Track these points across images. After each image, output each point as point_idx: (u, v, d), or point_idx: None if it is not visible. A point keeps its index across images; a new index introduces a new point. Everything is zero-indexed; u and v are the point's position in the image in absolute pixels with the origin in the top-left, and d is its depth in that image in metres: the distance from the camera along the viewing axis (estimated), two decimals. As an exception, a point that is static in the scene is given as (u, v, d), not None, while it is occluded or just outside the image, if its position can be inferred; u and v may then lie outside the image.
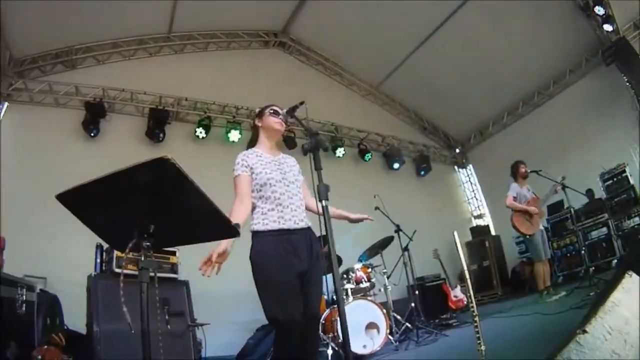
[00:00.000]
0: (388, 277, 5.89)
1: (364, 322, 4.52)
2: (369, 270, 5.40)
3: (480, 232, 8.64)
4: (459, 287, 7.39)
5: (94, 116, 6.10)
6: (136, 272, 3.74)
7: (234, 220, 2.17)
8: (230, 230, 1.66)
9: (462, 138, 10.16)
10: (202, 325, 4.17)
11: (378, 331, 4.52)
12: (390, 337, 4.62)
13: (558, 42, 7.49)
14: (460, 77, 8.50)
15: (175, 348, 3.69)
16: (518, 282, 8.01)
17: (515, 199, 5.61)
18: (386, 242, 5.70)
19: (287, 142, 7.52)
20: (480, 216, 9.78)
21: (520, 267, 8.21)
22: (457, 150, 10.17)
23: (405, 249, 6.24)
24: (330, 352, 4.41)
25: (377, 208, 5.77)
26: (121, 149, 6.23)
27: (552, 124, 8.01)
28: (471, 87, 8.64)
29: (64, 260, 5.06)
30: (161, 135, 6.53)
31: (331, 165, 8.16)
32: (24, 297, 3.11)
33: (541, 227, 5.62)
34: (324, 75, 9.02)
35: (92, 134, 6.09)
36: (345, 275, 5.21)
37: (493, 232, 8.76)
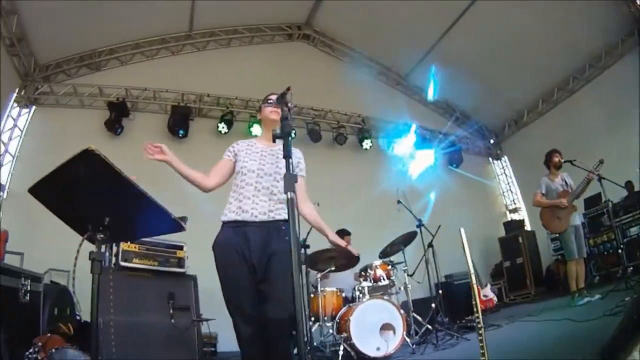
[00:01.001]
0: (411, 275, 5.64)
1: (379, 322, 4.21)
2: (389, 267, 5.09)
3: (514, 227, 8.09)
4: (489, 286, 7.01)
5: (118, 115, 6.26)
6: (141, 266, 3.78)
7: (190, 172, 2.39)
8: (174, 224, 1.57)
9: (496, 128, 9.60)
10: (207, 320, 4.10)
11: (394, 333, 4.20)
12: (407, 339, 4.33)
13: (592, 22, 6.89)
14: (492, 63, 7.97)
15: (178, 342, 3.65)
16: (552, 282, 7.43)
17: (544, 195, 5.21)
18: (408, 237, 5.31)
19: (312, 136, 7.40)
20: (515, 210, 9.19)
21: (554, 265, 7.62)
22: (491, 141, 9.62)
23: (430, 245, 5.95)
24: (341, 352, 4.17)
25: (399, 202, 5.50)
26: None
27: (590, 111, 7.39)
28: (504, 74, 8.10)
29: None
30: (182, 131, 6.60)
31: (358, 157, 8.06)
32: (29, 287, 3.17)
33: (576, 223, 5.10)
34: (351, 67, 8.72)
35: (117, 133, 6.25)
36: (362, 273, 4.97)
37: (529, 227, 8.23)
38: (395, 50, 8.52)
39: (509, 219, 8.82)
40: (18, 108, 6.05)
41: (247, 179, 2.38)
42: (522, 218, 8.73)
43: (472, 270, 2.65)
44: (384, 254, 5.27)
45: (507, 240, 7.88)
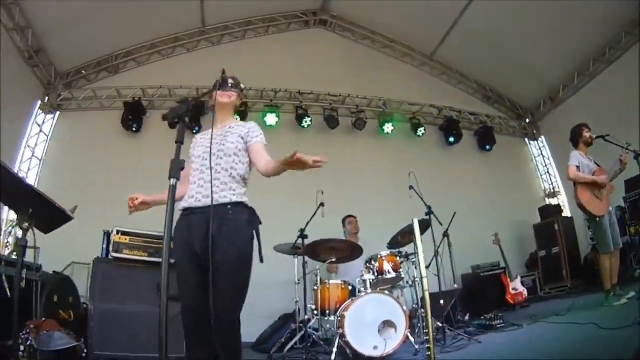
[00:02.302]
0: (427, 267, 5.32)
1: (378, 319, 3.90)
2: (397, 259, 4.74)
3: (550, 213, 7.39)
4: (519, 279, 6.52)
5: (134, 114, 6.48)
6: (132, 257, 3.94)
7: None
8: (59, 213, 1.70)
9: (531, 106, 8.81)
10: None
11: (396, 331, 3.88)
12: (411, 338, 3.96)
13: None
14: (521, 34, 7.29)
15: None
16: (591, 273, 6.84)
17: (578, 168, 4.56)
18: (421, 226, 4.88)
19: (329, 122, 7.26)
20: (554, 194, 8.44)
21: (592, 255, 7.01)
22: (527, 121, 8.87)
23: (445, 234, 5.59)
24: (335, 349, 3.92)
25: (411, 187, 5.17)
26: (162, 141, 6.58)
27: (630, 83, 6.51)
28: (534, 47, 7.40)
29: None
30: (196, 126, 6.66)
31: (379, 142, 7.79)
32: (24, 275, 3.29)
33: (610, 209, 4.55)
34: (373, 50, 8.45)
35: (134, 130, 6.50)
36: (367, 265, 4.69)
37: (568, 213, 7.54)
38: (418, 27, 8.05)
39: (546, 204, 8.12)
40: (43, 115, 6.43)
41: (195, 165, 2.37)
42: (559, 203, 8.03)
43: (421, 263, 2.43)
44: (393, 244, 4.98)
45: (542, 227, 7.25)
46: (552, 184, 8.57)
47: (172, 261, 1.93)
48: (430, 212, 5.01)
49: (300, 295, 4.92)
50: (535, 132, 8.84)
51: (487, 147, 8.23)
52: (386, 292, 4.32)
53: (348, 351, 3.91)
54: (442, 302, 4.80)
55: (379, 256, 4.67)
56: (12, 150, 5.90)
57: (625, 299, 4.11)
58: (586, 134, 4.68)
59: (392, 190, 6.79)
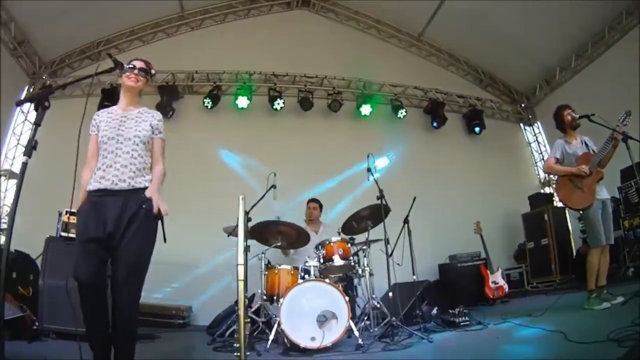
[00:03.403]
0: (389, 255, 5.04)
1: (317, 309, 3.74)
2: (349, 245, 4.52)
3: (540, 202, 6.98)
4: (500, 271, 6.20)
5: (111, 100, 6.61)
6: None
7: (82, 187, 2.42)
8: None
9: (526, 90, 8.35)
10: None
11: (337, 322, 3.71)
12: (355, 331, 3.73)
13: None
14: (515, 14, 6.90)
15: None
16: (583, 269, 6.49)
17: (558, 160, 4.17)
18: (376, 211, 4.55)
19: (303, 104, 7.16)
20: (549, 183, 7.96)
21: (585, 248, 6.65)
22: (522, 105, 8.39)
23: (405, 221, 5.10)
24: (271, 337, 3.79)
25: (368, 170, 4.74)
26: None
27: (630, 66, 6.02)
28: (530, 27, 7.01)
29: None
30: (170, 111, 6.76)
31: (357, 124, 7.57)
32: None
33: (604, 196, 4.02)
34: (357, 31, 8.22)
35: (109, 115, 6.64)
36: (315, 251, 4.55)
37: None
38: (404, 7, 7.73)
39: (537, 192, 7.67)
40: (29, 104, 6.68)
41: (108, 147, 2.44)
42: (551, 192, 7.59)
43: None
44: (347, 229, 4.74)
45: (530, 217, 6.88)
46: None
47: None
48: (381, 197, 4.58)
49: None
50: (530, 117, 8.38)
51: (476, 130, 7.84)
52: (327, 280, 4.10)
53: (285, 340, 3.73)
54: (390, 294, 4.50)
55: (328, 242, 4.48)
56: (-1, 138, 6.18)
57: (608, 303, 3.67)
58: (567, 116, 4.18)
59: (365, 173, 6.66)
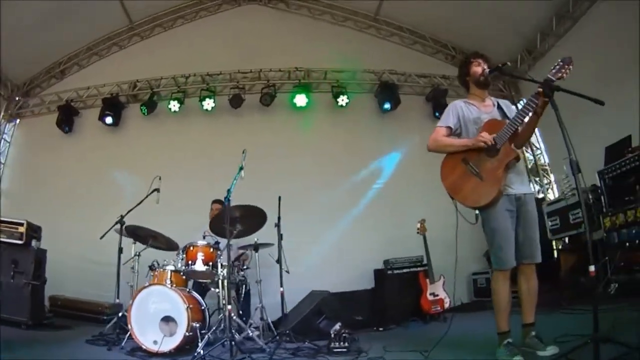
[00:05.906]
0: (277, 261, 4.88)
1: (160, 313, 3.80)
2: (212, 251, 4.37)
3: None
4: (442, 281, 5.49)
5: (65, 116, 7.14)
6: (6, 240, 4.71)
7: None
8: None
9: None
10: (35, 283, 4.83)
11: (178, 328, 3.73)
12: (200, 339, 3.70)
13: None
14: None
15: (15, 299, 4.66)
16: (557, 277, 5.37)
17: (452, 130, 2.92)
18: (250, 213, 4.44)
19: (233, 102, 6.95)
20: (537, 171, 6.81)
21: (561, 253, 5.59)
22: (503, 81, 7.19)
23: (277, 224, 4.98)
24: (126, 338, 3.93)
25: (241, 168, 4.35)
26: (94, 139, 7.25)
27: (623, 23, 4.98)
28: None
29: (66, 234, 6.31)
30: (114, 120, 7.09)
31: (294, 117, 7.19)
32: None
33: (521, 190, 2.77)
34: (309, 19, 7.77)
35: (65, 131, 7.14)
36: (177, 254, 4.49)
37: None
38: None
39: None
40: (5, 124, 7.47)
41: None
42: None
43: None
44: (215, 230, 4.62)
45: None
46: (534, 156, 6.81)
47: None
48: (228, 199, 4.06)
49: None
50: (514, 93, 7.09)
51: (437, 113, 6.90)
52: (168, 284, 4.06)
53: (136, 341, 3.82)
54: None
55: (191, 245, 4.40)
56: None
57: (520, 357, 2.52)
58: (475, 69, 2.94)
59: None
